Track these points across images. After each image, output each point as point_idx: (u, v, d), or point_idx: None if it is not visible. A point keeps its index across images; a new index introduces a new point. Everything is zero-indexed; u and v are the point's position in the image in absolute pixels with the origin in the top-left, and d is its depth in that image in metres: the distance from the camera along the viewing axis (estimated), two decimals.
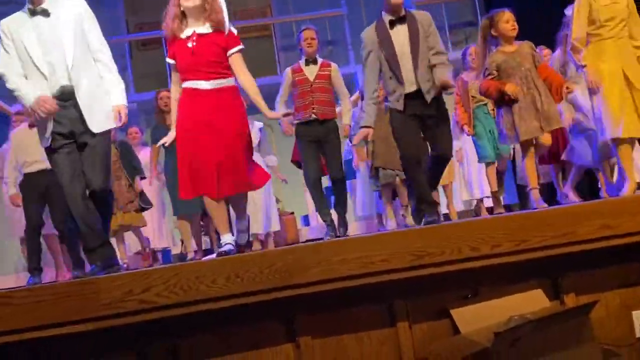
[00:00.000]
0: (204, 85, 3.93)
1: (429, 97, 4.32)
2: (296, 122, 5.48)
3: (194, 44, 3.93)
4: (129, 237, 6.97)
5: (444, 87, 4.32)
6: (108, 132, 3.99)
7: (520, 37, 4.88)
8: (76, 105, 3.83)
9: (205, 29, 3.97)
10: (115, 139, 6.49)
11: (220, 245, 4.04)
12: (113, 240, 6.80)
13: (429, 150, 4.66)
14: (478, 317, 3.37)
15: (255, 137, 6.40)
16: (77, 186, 3.82)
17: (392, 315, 3.45)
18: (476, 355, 3.20)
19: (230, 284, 3.04)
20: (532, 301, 3.46)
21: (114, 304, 2.94)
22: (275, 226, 7.07)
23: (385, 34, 4.34)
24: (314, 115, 5.43)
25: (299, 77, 5.53)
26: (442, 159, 4.52)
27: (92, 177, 3.87)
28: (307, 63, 5.55)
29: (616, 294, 3.66)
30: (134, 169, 6.63)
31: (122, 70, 7.88)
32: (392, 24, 4.34)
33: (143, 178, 6.73)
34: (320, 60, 5.59)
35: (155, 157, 6.57)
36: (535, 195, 4.73)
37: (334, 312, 3.40)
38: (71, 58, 3.81)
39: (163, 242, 7.57)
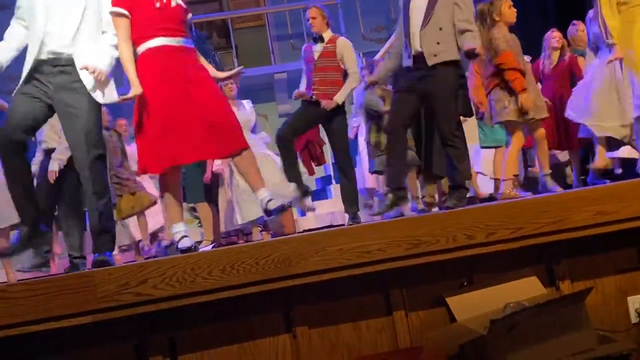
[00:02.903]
0: (173, 42, 3.68)
1: (431, 60, 4.25)
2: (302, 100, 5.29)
3: (160, 3, 3.67)
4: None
5: (469, 55, 4.29)
6: (98, 107, 3.65)
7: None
8: (70, 74, 3.58)
9: None
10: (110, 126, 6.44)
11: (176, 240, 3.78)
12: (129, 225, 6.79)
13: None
14: (474, 305, 3.38)
15: (252, 118, 6.36)
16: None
17: (388, 304, 3.47)
18: (472, 343, 3.22)
19: (226, 275, 3.04)
20: (528, 288, 3.47)
21: (110, 296, 2.94)
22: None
23: None
24: (314, 97, 5.19)
25: (308, 56, 5.35)
26: (442, 139, 4.40)
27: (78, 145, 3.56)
28: (315, 41, 5.39)
29: (611, 280, 3.67)
30: None
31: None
32: None
33: None
34: (328, 37, 5.29)
35: None
36: (507, 185, 4.73)
37: (331, 302, 3.41)
38: (76, 26, 3.58)
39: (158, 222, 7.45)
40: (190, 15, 3.86)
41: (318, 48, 5.26)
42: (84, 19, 3.61)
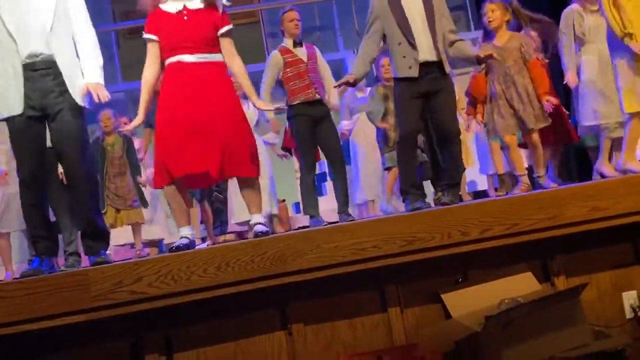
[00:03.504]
0: (188, 58, 3.72)
1: (447, 68, 4.29)
2: (296, 102, 5.21)
3: (186, 18, 3.75)
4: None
5: (480, 60, 4.32)
6: (82, 110, 3.68)
7: None
8: (52, 76, 3.57)
9: (196, 4, 3.80)
10: (118, 131, 6.43)
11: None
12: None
13: (433, 132, 4.62)
14: (469, 301, 3.39)
15: (253, 118, 6.33)
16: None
17: (383, 301, 3.47)
18: (468, 339, 3.23)
19: (221, 272, 3.04)
20: (523, 284, 3.48)
21: (105, 295, 2.94)
22: (275, 209, 6.94)
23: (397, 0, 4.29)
24: (317, 95, 5.21)
25: (291, 58, 5.30)
26: (450, 137, 4.38)
27: (68, 155, 3.60)
28: (295, 45, 5.41)
29: (606, 276, 3.68)
30: (135, 167, 6.56)
31: (109, 60, 7.82)
32: None
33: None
34: (303, 43, 5.44)
35: (147, 142, 6.48)
36: (524, 180, 4.74)
37: (326, 299, 3.42)
38: (50, 23, 3.57)
39: (156, 233, 7.50)
40: (226, 28, 3.86)
41: (302, 51, 5.35)
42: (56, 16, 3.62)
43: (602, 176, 4.81)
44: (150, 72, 3.84)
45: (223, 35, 3.85)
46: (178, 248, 3.53)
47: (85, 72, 3.66)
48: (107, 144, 6.45)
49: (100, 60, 3.74)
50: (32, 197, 3.58)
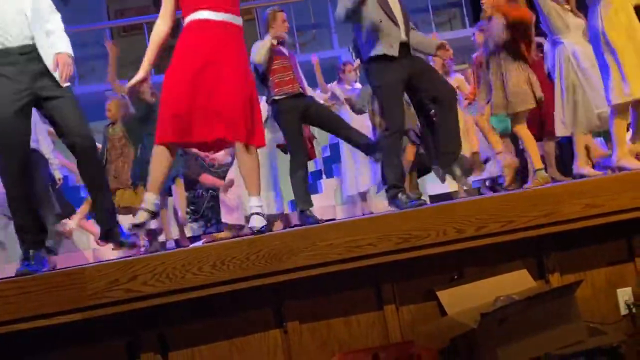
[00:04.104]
0: (212, 16, 3.58)
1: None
2: (283, 96, 5.18)
3: None
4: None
5: (441, 47, 4.41)
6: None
7: None
8: (36, 59, 3.54)
9: None
10: (125, 114, 6.36)
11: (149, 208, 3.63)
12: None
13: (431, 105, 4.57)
14: (464, 299, 3.39)
15: (263, 112, 6.30)
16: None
17: (379, 299, 3.47)
18: (463, 337, 3.23)
19: (216, 271, 3.03)
20: (518, 281, 3.49)
21: (100, 293, 2.93)
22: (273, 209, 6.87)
23: None
24: (300, 89, 5.20)
25: (277, 52, 5.27)
26: (449, 102, 4.34)
27: (76, 128, 3.55)
28: (278, 44, 5.36)
29: (601, 273, 3.69)
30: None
31: (103, 57, 7.78)
32: None
33: None
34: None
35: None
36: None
37: (322, 297, 3.41)
38: (30, 9, 3.54)
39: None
40: None
41: (284, 49, 5.34)
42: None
43: (582, 177, 4.86)
44: (162, 27, 3.70)
45: None
46: (136, 226, 3.53)
47: (56, 44, 3.60)
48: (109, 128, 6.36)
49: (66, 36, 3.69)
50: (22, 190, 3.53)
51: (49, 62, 3.55)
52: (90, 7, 10.26)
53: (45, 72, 3.55)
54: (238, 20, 3.69)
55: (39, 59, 3.56)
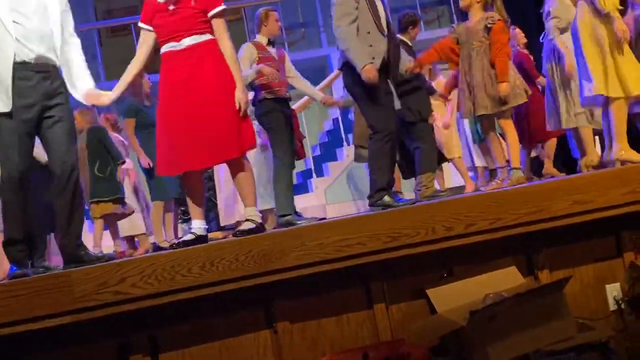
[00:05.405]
0: (177, 46, 3.72)
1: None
2: (270, 97, 5.04)
3: (173, 6, 3.71)
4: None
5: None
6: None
7: None
8: (50, 79, 3.57)
9: None
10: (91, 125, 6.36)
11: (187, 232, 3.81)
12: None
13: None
14: (454, 296, 3.40)
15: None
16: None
17: (369, 297, 3.48)
18: (453, 334, 3.24)
19: (205, 272, 3.03)
20: (507, 278, 3.50)
21: (89, 296, 2.92)
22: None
23: None
24: (287, 94, 5.14)
25: (264, 54, 5.17)
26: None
27: (66, 155, 3.56)
28: (269, 43, 5.33)
29: (590, 269, 3.71)
30: (112, 157, 6.41)
31: (92, 58, 7.73)
32: None
33: (122, 162, 6.52)
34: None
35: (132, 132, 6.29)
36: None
37: (311, 297, 3.41)
38: (58, 27, 3.60)
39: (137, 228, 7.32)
40: (215, 10, 3.75)
41: (274, 51, 5.29)
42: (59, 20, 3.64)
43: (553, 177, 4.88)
44: (137, 61, 3.88)
45: (213, 17, 3.77)
46: (185, 243, 3.60)
47: (88, 78, 3.79)
48: None
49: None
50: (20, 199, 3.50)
51: (71, 86, 3.67)
52: (78, 8, 10.21)
53: (56, 94, 3.58)
54: (203, 37, 3.75)
55: (52, 80, 3.58)
